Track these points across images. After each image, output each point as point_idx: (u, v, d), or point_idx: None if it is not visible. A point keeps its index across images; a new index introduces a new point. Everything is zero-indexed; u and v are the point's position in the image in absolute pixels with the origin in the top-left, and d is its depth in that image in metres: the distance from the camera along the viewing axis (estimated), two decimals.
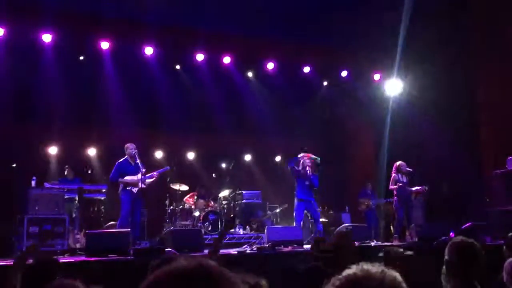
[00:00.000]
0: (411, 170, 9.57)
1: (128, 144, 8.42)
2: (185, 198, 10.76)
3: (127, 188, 8.20)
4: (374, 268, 1.15)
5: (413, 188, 9.56)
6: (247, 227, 10.75)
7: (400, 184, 9.39)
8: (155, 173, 8.59)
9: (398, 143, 11.33)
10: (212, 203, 10.71)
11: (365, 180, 11.92)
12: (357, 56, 11.62)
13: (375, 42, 10.76)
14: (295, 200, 8.95)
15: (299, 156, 8.99)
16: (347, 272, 1.17)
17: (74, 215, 9.03)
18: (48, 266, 3.62)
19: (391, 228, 10.82)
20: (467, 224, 8.45)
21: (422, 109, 11.08)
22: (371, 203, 11.44)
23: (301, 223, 8.94)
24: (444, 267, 3.00)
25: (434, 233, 8.00)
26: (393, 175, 9.52)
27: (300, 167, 8.94)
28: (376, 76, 12.16)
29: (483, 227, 8.54)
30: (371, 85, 12.28)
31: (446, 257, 3.06)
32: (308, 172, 8.82)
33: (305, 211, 9.16)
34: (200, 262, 1.08)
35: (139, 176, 8.11)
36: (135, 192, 8.18)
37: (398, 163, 9.60)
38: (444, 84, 10.62)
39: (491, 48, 10.83)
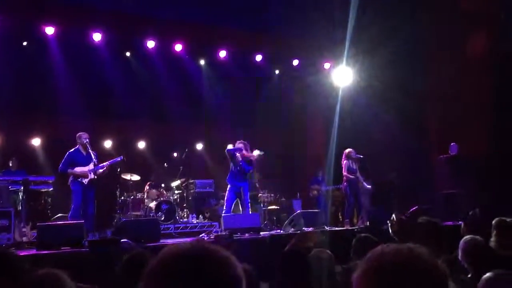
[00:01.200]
0: (361, 156, 9.86)
1: (81, 133, 8.16)
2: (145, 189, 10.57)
3: (78, 179, 7.96)
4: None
5: (365, 183, 9.86)
6: (200, 216, 10.74)
7: (351, 173, 9.68)
8: (106, 163, 8.36)
9: (347, 130, 11.60)
10: (165, 192, 10.59)
11: (315, 167, 12.16)
12: (308, 45, 11.76)
13: (325, 31, 10.92)
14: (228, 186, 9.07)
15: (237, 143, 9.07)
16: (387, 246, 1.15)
17: (19, 207, 8.66)
18: (5, 258, 3.47)
19: (339, 213, 11.16)
20: (412, 208, 8.81)
21: (370, 98, 11.39)
22: (321, 189, 11.69)
23: (231, 208, 8.92)
24: None
25: (384, 217, 8.30)
26: (344, 161, 9.77)
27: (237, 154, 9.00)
28: (326, 65, 12.36)
29: (428, 210, 8.94)
30: (321, 73, 12.47)
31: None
32: (238, 157, 8.81)
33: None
34: (203, 244, 1.10)
35: (91, 166, 7.90)
36: (86, 183, 7.96)
37: (347, 150, 9.86)
38: (392, 73, 10.96)
39: (438, 37, 11.28)
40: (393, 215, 3.46)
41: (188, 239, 7.44)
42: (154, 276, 1.05)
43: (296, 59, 12.07)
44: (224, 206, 8.89)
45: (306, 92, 12.60)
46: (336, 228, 8.89)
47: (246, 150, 8.91)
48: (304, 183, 12.26)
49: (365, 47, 11.19)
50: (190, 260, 1.03)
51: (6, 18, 9.15)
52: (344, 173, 9.71)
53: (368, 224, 8.77)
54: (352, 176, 9.66)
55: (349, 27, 10.88)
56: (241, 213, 9.03)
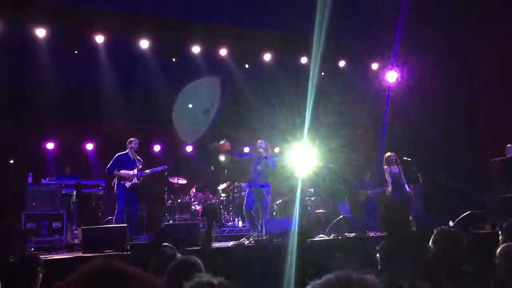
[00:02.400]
0: (409, 159, 9.54)
1: (132, 139, 8.46)
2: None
3: (121, 182, 8.20)
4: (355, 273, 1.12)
5: (407, 186, 9.50)
6: (245, 219, 10.74)
7: (394, 177, 9.39)
8: (149, 171, 8.57)
9: (395, 132, 11.29)
10: (211, 196, 10.70)
11: (363, 170, 11.87)
12: (355, 45, 11.53)
13: (372, 32, 10.68)
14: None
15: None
16: (328, 276, 1.14)
17: (72, 210, 9.02)
18: (30, 263, 3.60)
19: None
20: (465, 213, 8.43)
21: (420, 98, 11.02)
22: (369, 192, 11.40)
23: (250, 211, 8.41)
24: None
25: (432, 223, 8.00)
26: (385, 166, 9.52)
27: (254, 152, 8.62)
28: (374, 66, 12.06)
29: (482, 215, 8.52)
30: (369, 74, 12.18)
31: (431, 246, 3.14)
32: (262, 154, 8.34)
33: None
34: (110, 263, 1.05)
35: (135, 171, 8.11)
36: (128, 186, 8.18)
37: (386, 154, 9.61)
38: (442, 73, 10.57)
39: (489, 35, 10.76)
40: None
41: (230, 243, 7.48)
42: None
43: (342, 60, 11.84)
44: (244, 213, 8.55)
45: (353, 94, 12.32)
46: (383, 234, 8.61)
47: (266, 150, 8.49)
48: (351, 186, 12.00)
49: (414, 47, 10.84)
50: (98, 281, 0.99)
51: (59, 28, 9.57)
52: (387, 178, 9.44)
53: (415, 229, 8.46)
54: (395, 181, 9.36)
55: (399, 26, 10.62)
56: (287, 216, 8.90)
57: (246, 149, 13.22)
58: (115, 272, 1.01)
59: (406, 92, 11.48)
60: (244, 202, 8.50)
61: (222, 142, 8.59)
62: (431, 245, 3.17)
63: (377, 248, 4.61)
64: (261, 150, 8.37)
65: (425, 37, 10.67)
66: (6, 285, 3.07)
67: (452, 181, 10.23)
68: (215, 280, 1.97)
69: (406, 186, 9.46)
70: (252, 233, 8.16)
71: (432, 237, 3.20)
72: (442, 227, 7.39)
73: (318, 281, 1.13)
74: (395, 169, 9.45)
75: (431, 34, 10.59)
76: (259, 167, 8.33)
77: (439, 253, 3.09)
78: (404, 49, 11.05)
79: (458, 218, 8.27)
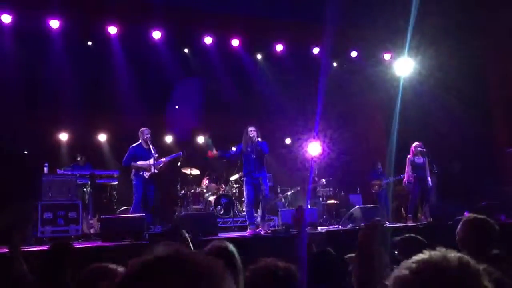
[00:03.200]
0: (424, 150, 9.51)
1: (143, 129, 8.47)
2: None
3: (139, 173, 8.23)
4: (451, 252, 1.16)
5: (429, 178, 9.46)
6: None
7: (416, 168, 9.34)
8: (165, 158, 8.59)
9: (408, 122, 11.23)
10: (224, 186, 10.72)
11: (375, 160, 11.85)
12: (367, 36, 11.44)
13: (385, 22, 10.59)
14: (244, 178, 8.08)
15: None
16: (423, 255, 1.15)
17: (87, 200, 9.07)
18: (64, 251, 3.61)
19: (402, 209, 10.79)
20: (481, 204, 8.39)
21: (433, 88, 10.94)
22: (382, 183, 11.38)
23: (253, 202, 7.96)
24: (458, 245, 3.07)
25: (448, 213, 8.00)
26: (408, 156, 9.49)
27: (245, 139, 8.03)
28: (387, 56, 11.98)
29: (497, 205, 8.48)
30: (382, 65, 12.10)
31: (459, 235, 3.13)
32: (254, 139, 7.84)
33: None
34: (176, 249, 1.01)
35: (151, 161, 8.13)
36: (147, 177, 8.21)
37: (413, 144, 9.57)
38: (455, 63, 10.48)
39: (501, 24, 10.65)
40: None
41: (246, 233, 7.50)
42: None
43: (354, 50, 11.76)
44: (245, 204, 8.08)
45: (365, 84, 12.25)
46: (397, 224, 8.61)
47: (257, 135, 7.97)
48: (364, 177, 11.98)
49: (427, 37, 10.74)
50: (158, 268, 0.96)
51: (72, 19, 9.57)
52: (407, 169, 9.40)
53: (431, 220, 8.45)
54: (417, 172, 9.32)
55: (411, 17, 10.50)
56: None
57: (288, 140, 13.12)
58: (187, 262, 0.99)
59: (419, 82, 11.40)
60: (244, 194, 8.04)
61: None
62: (459, 231, 3.16)
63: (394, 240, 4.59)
64: (253, 134, 7.89)
65: (438, 26, 10.56)
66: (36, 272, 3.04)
67: (466, 171, 10.18)
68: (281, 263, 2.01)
69: (429, 178, 9.40)
70: (267, 223, 8.17)
71: (461, 223, 3.19)
72: (458, 217, 7.40)
73: (411, 260, 1.14)
74: (418, 159, 9.40)
75: (445, 23, 10.48)
76: (253, 155, 7.80)
77: (465, 238, 3.09)
78: (417, 38, 10.95)
79: (474, 209, 8.24)
